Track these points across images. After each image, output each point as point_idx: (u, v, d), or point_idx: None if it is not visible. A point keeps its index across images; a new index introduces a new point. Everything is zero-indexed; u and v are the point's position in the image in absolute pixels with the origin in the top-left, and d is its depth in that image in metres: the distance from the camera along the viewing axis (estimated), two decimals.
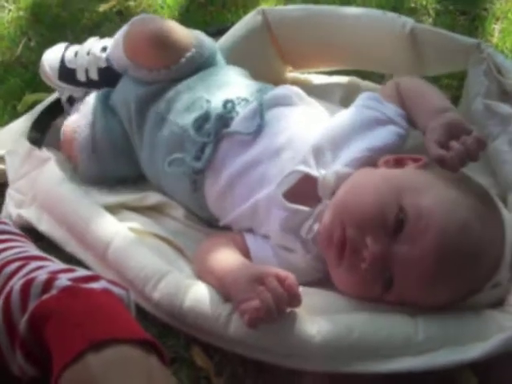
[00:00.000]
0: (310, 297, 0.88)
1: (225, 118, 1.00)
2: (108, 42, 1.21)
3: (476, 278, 0.85)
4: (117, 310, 0.70)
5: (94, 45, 1.21)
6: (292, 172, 0.93)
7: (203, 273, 0.94)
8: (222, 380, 0.84)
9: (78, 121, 1.13)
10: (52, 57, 1.23)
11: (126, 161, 1.13)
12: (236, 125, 1.00)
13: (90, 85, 1.21)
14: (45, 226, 1.05)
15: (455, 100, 1.27)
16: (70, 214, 1.03)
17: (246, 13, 1.41)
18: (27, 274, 0.73)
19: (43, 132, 1.20)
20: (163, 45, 1.07)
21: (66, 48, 1.24)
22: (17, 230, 0.91)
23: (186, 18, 1.59)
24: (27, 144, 1.15)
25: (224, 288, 0.88)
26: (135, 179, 1.14)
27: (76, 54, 1.21)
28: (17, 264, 0.76)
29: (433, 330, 0.82)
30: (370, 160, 0.94)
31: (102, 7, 1.68)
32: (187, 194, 1.03)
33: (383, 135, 0.96)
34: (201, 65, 1.09)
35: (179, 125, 1.03)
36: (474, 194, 0.87)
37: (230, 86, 1.06)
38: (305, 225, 0.92)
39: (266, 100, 1.01)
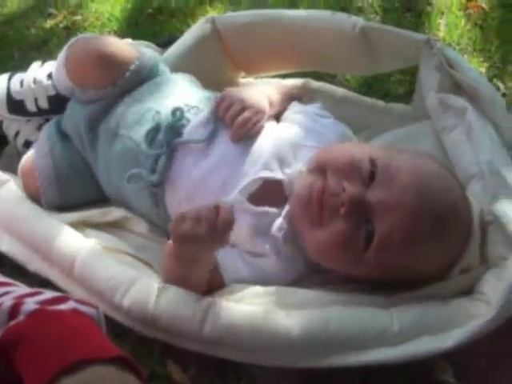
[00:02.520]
0: (284, 294, 0.88)
1: (175, 127, 0.99)
2: (52, 66, 1.18)
3: (453, 238, 0.86)
4: (87, 329, 0.69)
5: (39, 72, 1.19)
6: (256, 179, 0.93)
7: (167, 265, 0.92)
8: None
9: (36, 151, 1.11)
10: None
11: (89, 184, 1.11)
12: (188, 133, 0.99)
13: (40, 114, 1.19)
14: (6, 246, 1.02)
15: (409, 94, 1.29)
16: (33, 232, 1.00)
17: (194, 21, 1.42)
18: None
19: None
20: (107, 62, 1.07)
21: (10, 78, 1.20)
22: None
23: (134, 30, 1.58)
24: None
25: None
26: (98, 201, 1.11)
27: (22, 83, 1.18)
28: None
29: (407, 321, 0.83)
30: None
31: (49, 23, 1.66)
32: (149, 209, 1.02)
33: (328, 129, 1.01)
34: (145, 76, 1.09)
35: (132, 139, 1.02)
36: (440, 162, 0.92)
37: (178, 95, 1.06)
38: (275, 224, 0.92)
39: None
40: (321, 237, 0.88)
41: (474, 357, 0.84)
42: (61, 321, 0.67)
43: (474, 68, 1.24)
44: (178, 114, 1.00)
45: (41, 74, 1.18)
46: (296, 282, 0.92)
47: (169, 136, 0.99)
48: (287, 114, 1.06)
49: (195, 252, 0.85)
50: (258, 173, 0.94)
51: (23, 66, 1.49)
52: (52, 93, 1.17)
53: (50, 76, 1.17)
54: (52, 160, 1.09)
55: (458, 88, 1.12)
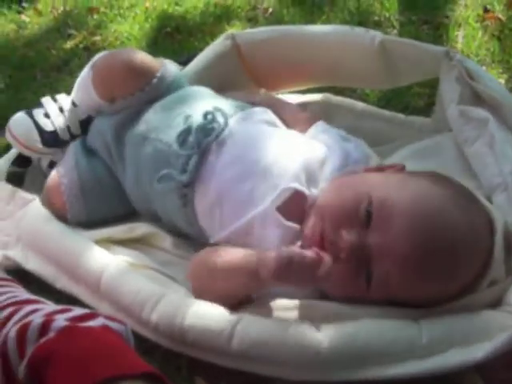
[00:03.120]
0: (314, 308, 0.88)
1: (206, 129, 1.00)
2: (71, 95, 1.20)
3: (462, 270, 0.84)
4: (117, 346, 0.69)
5: (61, 102, 1.20)
6: (287, 188, 0.94)
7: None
8: None
9: (62, 168, 1.13)
10: (23, 127, 1.18)
11: (115, 198, 1.12)
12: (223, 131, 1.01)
13: (73, 140, 1.19)
14: (32, 264, 1.03)
15: (429, 107, 1.29)
16: (60, 250, 1.01)
17: (213, 39, 1.43)
18: (22, 318, 0.72)
19: (23, 173, 1.20)
20: (134, 70, 1.10)
21: (30, 114, 1.19)
22: (5, 276, 0.90)
23: (153, 49, 1.60)
24: (9, 186, 1.14)
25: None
26: (124, 217, 1.12)
27: (47, 115, 1.18)
28: (9, 310, 0.74)
29: (436, 333, 0.82)
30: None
31: (69, 44, 1.68)
32: (177, 210, 1.03)
33: (351, 151, 1.01)
34: (170, 84, 1.13)
35: (163, 141, 1.03)
36: (452, 188, 0.88)
37: (208, 101, 1.08)
38: (297, 242, 0.91)
39: (251, 114, 1.05)
40: None
41: (504, 369, 0.83)
42: (91, 337, 0.68)
43: (494, 78, 1.24)
44: (209, 117, 1.02)
45: (64, 103, 1.20)
46: (324, 296, 0.91)
47: (200, 137, 1.00)
48: (312, 132, 1.07)
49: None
50: (289, 183, 0.94)
51: (46, 87, 1.53)
52: (83, 116, 1.18)
53: (73, 103, 1.18)
54: (77, 174, 1.11)
55: (478, 99, 1.12)
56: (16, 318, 0.72)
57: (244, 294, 0.90)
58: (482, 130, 1.07)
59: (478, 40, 1.48)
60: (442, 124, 1.18)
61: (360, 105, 1.27)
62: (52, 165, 1.20)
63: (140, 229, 1.07)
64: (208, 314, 0.85)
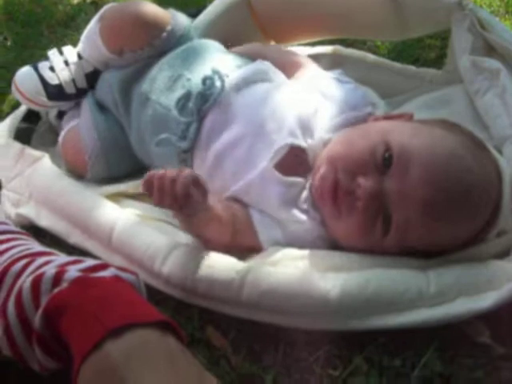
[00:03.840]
0: (321, 257, 0.89)
1: (205, 96, 1.00)
2: (77, 47, 1.18)
3: (475, 215, 0.85)
4: (129, 295, 0.70)
5: (66, 55, 1.18)
6: (282, 146, 0.93)
7: None
8: (240, 358, 0.84)
9: (81, 126, 1.13)
10: (28, 81, 1.16)
11: (132, 155, 1.13)
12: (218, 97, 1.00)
13: (80, 94, 1.19)
14: (45, 221, 1.04)
15: (440, 59, 1.27)
16: (71, 206, 1.02)
17: None
18: (35, 270, 0.73)
19: (32, 130, 1.20)
20: (144, 22, 1.09)
21: (36, 68, 1.17)
22: (18, 229, 0.91)
23: (163, 1, 1.57)
24: (17, 144, 1.14)
25: None
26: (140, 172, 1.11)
27: (52, 69, 1.17)
28: (23, 262, 0.75)
29: (444, 282, 0.82)
30: (350, 121, 0.96)
31: None
32: None
33: (349, 95, 1.00)
34: (180, 38, 1.12)
35: (162, 104, 1.03)
36: (464, 135, 0.88)
37: (210, 62, 1.06)
38: (302, 195, 0.93)
39: (244, 75, 1.02)
40: (339, 227, 0.89)
41: (510, 318, 0.83)
42: (103, 287, 0.69)
43: (508, 29, 1.22)
44: (207, 82, 1.00)
45: (69, 55, 1.18)
46: (334, 246, 0.91)
47: (199, 104, 1.00)
48: (307, 78, 1.06)
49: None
50: (284, 139, 0.93)
51: (53, 43, 1.52)
52: (89, 69, 1.17)
53: (79, 56, 1.17)
54: (97, 133, 1.11)
55: (490, 50, 1.10)
56: (30, 269, 0.73)
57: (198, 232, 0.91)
58: (493, 81, 1.06)
59: None
60: (454, 75, 1.16)
61: (371, 57, 1.25)
62: (61, 115, 1.21)
63: None
64: (218, 265, 0.86)
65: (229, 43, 1.17)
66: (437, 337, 0.82)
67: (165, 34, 1.10)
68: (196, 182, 0.81)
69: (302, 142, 0.94)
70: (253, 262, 0.88)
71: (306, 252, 0.89)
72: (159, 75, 1.07)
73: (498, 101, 1.04)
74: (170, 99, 1.03)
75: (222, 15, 1.24)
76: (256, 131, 0.96)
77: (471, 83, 1.10)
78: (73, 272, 0.71)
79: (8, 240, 0.83)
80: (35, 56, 1.49)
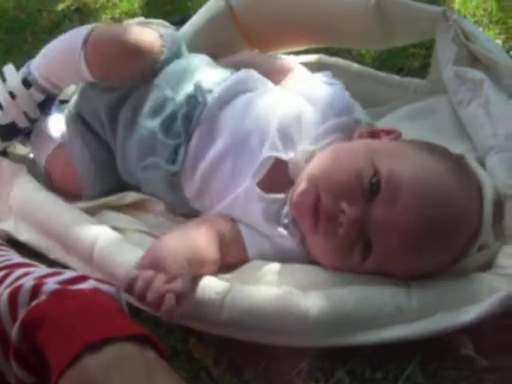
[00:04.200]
0: (303, 273, 0.88)
1: (190, 116, 0.98)
2: (21, 72, 1.07)
3: (457, 241, 0.84)
4: (108, 308, 0.69)
5: (10, 84, 1.06)
6: (264, 160, 0.92)
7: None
8: (221, 370, 0.83)
9: (69, 146, 1.09)
10: None
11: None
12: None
13: (34, 124, 1.10)
14: (25, 235, 1.03)
15: (424, 69, 1.28)
16: (51, 220, 1.00)
17: (206, 0, 1.40)
18: (13, 282, 0.73)
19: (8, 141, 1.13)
20: (138, 53, 1.02)
21: None
22: None
23: (146, 10, 1.58)
24: None
25: None
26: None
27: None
28: (1, 273, 0.74)
29: (426, 297, 0.82)
30: (335, 128, 0.95)
31: (60, 6, 1.66)
32: (167, 193, 1.02)
33: (335, 99, 0.97)
34: (169, 60, 1.06)
35: (148, 128, 1.00)
36: (446, 158, 0.87)
37: (194, 78, 1.03)
38: (283, 211, 0.92)
39: (226, 88, 1.00)
40: (317, 245, 0.88)
41: (494, 330, 0.83)
42: (82, 299, 0.68)
43: (491, 39, 1.22)
44: (192, 102, 0.98)
45: (14, 85, 1.06)
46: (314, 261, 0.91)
47: (185, 125, 0.97)
48: (292, 83, 1.05)
49: None
50: (266, 153, 0.92)
51: (37, 49, 1.51)
52: (40, 98, 1.07)
53: (25, 82, 1.06)
54: (88, 152, 1.08)
55: (474, 60, 1.10)
56: (8, 281, 0.73)
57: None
58: (477, 92, 1.06)
59: (475, 0, 1.46)
60: (438, 85, 1.16)
61: (355, 66, 1.26)
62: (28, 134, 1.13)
63: (133, 195, 1.07)
64: (198, 286, 0.85)
65: (216, 53, 1.16)
66: (420, 349, 0.82)
67: (158, 65, 1.03)
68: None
69: (283, 155, 0.92)
70: (234, 278, 0.87)
71: (287, 267, 0.89)
72: (144, 98, 1.03)
73: (481, 111, 1.04)
74: (155, 122, 1.00)
75: (207, 25, 1.22)
76: (239, 146, 0.95)
77: (455, 93, 1.10)
78: (51, 284, 0.70)
79: None
80: (18, 62, 1.48)
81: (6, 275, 0.74)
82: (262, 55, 1.18)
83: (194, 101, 0.98)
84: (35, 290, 0.69)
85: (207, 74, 1.04)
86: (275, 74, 1.08)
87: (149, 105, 1.02)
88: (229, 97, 0.99)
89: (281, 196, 0.92)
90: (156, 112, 1.01)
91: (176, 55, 1.07)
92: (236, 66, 1.09)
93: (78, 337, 0.62)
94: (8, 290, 0.69)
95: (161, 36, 1.05)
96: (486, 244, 0.88)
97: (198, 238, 0.89)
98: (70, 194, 1.09)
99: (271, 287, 0.85)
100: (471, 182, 0.87)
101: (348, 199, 0.83)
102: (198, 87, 0.99)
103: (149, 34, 1.04)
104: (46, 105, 1.08)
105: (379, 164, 0.83)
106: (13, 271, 0.75)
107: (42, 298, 0.68)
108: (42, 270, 0.77)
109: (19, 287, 0.69)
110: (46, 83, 1.07)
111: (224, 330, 0.84)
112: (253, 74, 1.05)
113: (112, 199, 1.06)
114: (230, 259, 0.92)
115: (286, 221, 0.91)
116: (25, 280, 0.71)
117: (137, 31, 1.04)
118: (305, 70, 1.09)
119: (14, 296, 0.69)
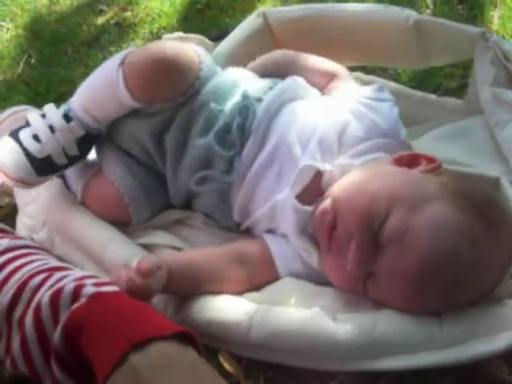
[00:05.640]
0: (334, 296, 0.89)
1: (243, 127, 0.98)
2: (61, 108, 1.03)
3: (479, 285, 0.83)
4: (145, 308, 0.70)
5: (49, 118, 1.01)
6: (301, 169, 0.93)
7: None
8: None
9: (110, 173, 1.05)
10: (9, 157, 0.99)
11: (163, 195, 1.08)
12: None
13: (70, 164, 1.04)
14: (59, 249, 1.04)
15: (460, 89, 1.27)
16: (86, 239, 1.01)
17: (244, 16, 1.42)
18: (53, 285, 0.74)
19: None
20: (178, 71, 0.98)
21: (15, 138, 1.00)
22: (35, 244, 0.91)
23: (184, 26, 1.60)
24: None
25: None
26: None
27: (36, 138, 1.00)
28: (41, 276, 0.76)
29: (457, 324, 0.81)
30: (378, 147, 0.94)
31: (100, 20, 1.69)
32: (214, 207, 1.02)
33: (382, 117, 0.96)
34: (208, 79, 1.03)
35: (201, 144, 0.99)
36: (473, 211, 0.82)
37: (239, 89, 1.03)
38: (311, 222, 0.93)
39: (274, 96, 1.01)
40: (328, 264, 0.90)
41: None
42: (120, 301, 0.69)
43: None
44: (244, 111, 0.99)
45: (54, 119, 1.01)
46: None
47: (241, 136, 0.98)
48: (340, 93, 1.05)
49: None
50: (304, 162, 0.93)
51: (76, 62, 1.54)
52: (80, 133, 1.02)
53: (66, 117, 1.02)
54: (135, 178, 1.04)
55: None
56: (48, 283, 0.74)
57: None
58: None
59: None
60: (475, 106, 1.16)
61: (391, 84, 1.25)
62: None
63: (175, 214, 1.07)
64: (224, 308, 0.86)
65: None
66: (453, 372, 0.81)
67: (197, 82, 1.00)
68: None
69: (320, 165, 0.93)
70: (262, 298, 0.89)
71: (316, 290, 0.90)
72: (192, 119, 1.01)
73: None
74: (208, 136, 0.99)
75: (245, 41, 1.23)
76: (283, 156, 0.96)
77: (491, 115, 1.09)
78: (89, 287, 0.71)
79: (26, 255, 0.84)
80: (58, 74, 1.52)
81: (46, 278, 0.75)
82: (302, 54, 1.14)
83: (246, 111, 0.99)
84: (76, 293, 0.70)
85: (252, 84, 1.04)
86: (317, 76, 1.08)
87: (199, 123, 1.00)
88: (277, 106, 1.00)
89: (310, 208, 0.92)
90: (207, 128, 1.00)
91: (214, 72, 1.06)
92: (272, 67, 1.10)
93: (124, 337, 0.62)
94: (49, 293, 0.71)
95: (198, 53, 1.03)
96: None
97: (205, 255, 0.94)
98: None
99: (299, 309, 0.86)
100: (498, 226, 0.84)
101: (358, 241, 0.83)
102: (246, 97, 1.00)
103: (186, 49, 1.02)
104: (85, 143, 1.04)
105: (396, 212, 0.82)
106: (52, 274, 0.76)
107: (83, 300, 0.69)
108: (78, 272, 0.78)
109: (60, 290, 0.70)
110: (86, 116, 1.01)
111: (251, 352, 0.85)
112: (298, 80, 1.05)
113: (156, 220, 1.07)
114: (260, 279, 0.93)
115: (311, 232, 0.92)
116: (65, 282, 0.73)
117: (173, 48, 1.00)
118: (351, 79, 1.09)
119: (55, 299, 0.70)
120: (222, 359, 0.87)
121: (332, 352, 0.81)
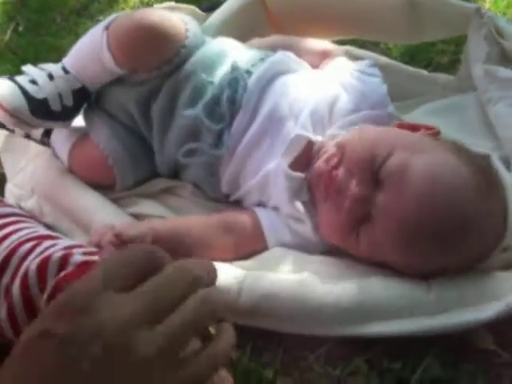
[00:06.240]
0: (322, 264, 0.89)
1: (234, 99, 0.97)
2: (63, 62, 1.04)
3: (465, 243, 0.82)
4: None
5: (49, 68, 1.03)
6: (293, 139, 0.93)
7: None
8: (240, 353, 0.83)
9: (96, 138, 1.05)
10: (8, 91, 0.99)
11: (150, 161, 1.07)
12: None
13: (63, 113, 1.03)
14: (48, 218, 1.03)
15: (452, 64, 1.27)
16: (75, 206, 1.01)
17: None
18: (41, 252, 0.73)
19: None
20: (162, 39, 0.97)
21: (13, 80, 1.00)
22: (24, 212, 0.90)
23: None
24: (22, 139, 1.12)
25: None
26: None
27: (34, 82, 1.00)
28: (30, 244, 0.75)
29: (445, 291, 0.82)
30: (366, 118, 0.96)
31: None
32: (202, 179, 1.02)
33: (372, 90, 0.98)
34: (195, 49, 1.02)
35: (188, 115, 0.98)
36: (472, 164, 0.84)
37: (229, 60, 1.01)
38: (303, 189, 0.93)
39: (264, 69, 1.00)
40: (324, 213, 0.90)
41: None
42: None
43: None
44: (234, 84, 0.98)
45: (53, 69, 1.03)
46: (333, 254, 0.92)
47: (231, 109, 0.97)
48: (331, 68, 1.05)
49: None
50: (296, 132, 0.94)
51: (65, 30, 1.52)
52: (77, 86, 1.03)
53: (64, 70, 1.03)
54: (120, 142, 1.04)
55: (505, 60, 1.10)
56: (37, 251, 0.73)
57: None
58: (506, 91, 1.06)
59: None
60: (467, 83, 1.16)
61: (383, 59, 1.25)
62: (47, 133, 1.11)
63: (162, 183, 1.07)
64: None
65: (243, 41, 1.16)
66: (438, 341, 0.82)
67: (183, 50, 0.99)
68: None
69: (311, 136, 0.94)
70: (252, 266, 0.89)
71: (305, 257, 0.90)
72: (179, 87, 1.00)
73: (510, 110, 1.03)
74: (197, 108, 0.98)
75: (237, 12, 1.23)
76: (275, 128, 0.96)
77: (484, 92, 1.09)
78: (78, 256, 0.71)
79: (15, 222, 0.83)
80: (47, 42, 1.50)
81: (34, 246, 0.74)
82: (297, 38, 1.16)
83: (236, 83, 0.98)
84: (63, 261, 0.70)
85: (242, 56, 1.03)
86: (312, 56, 1.09)
87: (186, 93, 0.99)
88: (268, 78, 0.99)
89: (303, 175, 0.93)
90: (195, 99, 0.99)
91: (202, 41, 1.04)
92: (270, 48, 1.09)
93: None
94: (37, 261, 0.70)
95: (184, 21, 1.01)
96: (509, 246, 0.88)
97: (193, 221, 0.95)
98: (94, 186, 1.06)
99: (288, 275, 0.86)
100: (496, 192, 0.85)
101: (358, 178, 0.84)
102: (235, 68, 0.99)
103: (172, 17, 1.01)
104: (79, 97, 1.05)
105: (397, 153, 0.84)
106: (41, 242, 0.75)
107: (70, 268, 0.69)
108: (67, 241, 0.78)
109: (48, 258, 0.70)
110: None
111: (241, 318, 0.84)
112: (290, 55, 1.05)
113: (143, 189, 1.06)
114: (248, 248, 0.94)
115: (304, 199, 0.93)
116: (53, 250, 0.72)
117: (159, 15, 0.99)
118: (343, 55, 1.09)
119: (43, 266, 0.69)
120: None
121: (319, 315, 0.81)
